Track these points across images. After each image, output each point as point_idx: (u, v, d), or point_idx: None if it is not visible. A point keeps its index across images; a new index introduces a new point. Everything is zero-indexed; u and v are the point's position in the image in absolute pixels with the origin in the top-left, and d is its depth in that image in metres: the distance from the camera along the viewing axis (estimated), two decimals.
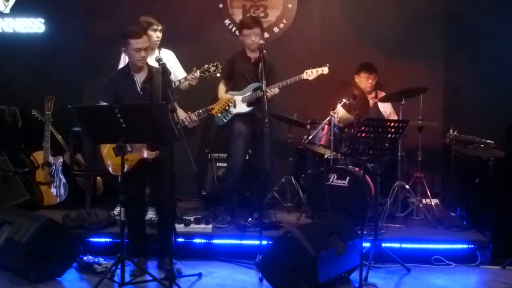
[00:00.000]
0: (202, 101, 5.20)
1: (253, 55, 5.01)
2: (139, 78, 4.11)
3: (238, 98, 5.01)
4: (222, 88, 5.18)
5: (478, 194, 4.90)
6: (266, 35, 5.91)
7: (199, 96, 5.33)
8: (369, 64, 5.64)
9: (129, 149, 3.95)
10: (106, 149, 4.11)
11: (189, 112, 4.23)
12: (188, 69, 5.11)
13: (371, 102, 5.40)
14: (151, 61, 4.28)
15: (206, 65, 4.85)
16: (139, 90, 4.09)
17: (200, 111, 4.61)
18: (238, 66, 5.10)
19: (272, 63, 4.95)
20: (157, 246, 4.30)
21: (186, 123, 4.21)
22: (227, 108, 4.54)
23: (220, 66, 4.85)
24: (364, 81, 5.59)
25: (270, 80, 4.82)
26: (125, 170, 3.90)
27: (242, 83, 5.06)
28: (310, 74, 4.93)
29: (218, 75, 4.91)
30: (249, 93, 4.99)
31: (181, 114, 4.19)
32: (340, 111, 5.39)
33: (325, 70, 4.94)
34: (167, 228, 4.15)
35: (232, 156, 5.15)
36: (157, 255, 4.31)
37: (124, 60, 5.00)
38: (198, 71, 4.85)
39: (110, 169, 4.15)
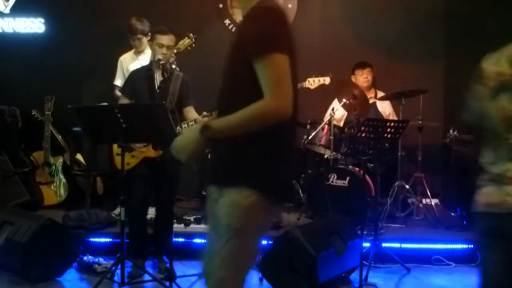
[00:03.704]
0: (207, 102, 5.19)
1: None
2: (159, 76, 4.13)
3: None
4: None
5: None
6: None
7: (205, 98, 5.29)
8: (361, 61, 5.65)
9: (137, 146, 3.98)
10: (115, 147, 4.15)
11: (204, 112, 4.20)
12: (187, 69, 5.11)
13: (370, 101, 5.41)
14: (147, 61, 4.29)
15: (181, 40, 4.61)
16: (156, 87, 4.11)
17: (206, 115, 4.49)
18: None
19: None
20: (154, 246, 4.30)
21: None
22: None
23: (194, 37, 4.64)
24: (359, 78, 5.60)
25: None
26: (130, 167, 3.92)
27: None
28: (312, 83, 4.95)
29: (194, 45, 4.69)
30: None
31: (195, 115, 4.23)
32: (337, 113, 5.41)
33: (326, 80, 4.96)
34: (164, 228, 4.15)
35: None
36: (152, 255, 4.31)
37: (121, 67, 5.06)
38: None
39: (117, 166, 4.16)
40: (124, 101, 4.16)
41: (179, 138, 2.12)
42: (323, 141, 5.19)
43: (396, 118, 5.43)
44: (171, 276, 3.69)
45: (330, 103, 5.40)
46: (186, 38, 4.65)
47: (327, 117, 5.14)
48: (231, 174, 2.10)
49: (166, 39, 4.07)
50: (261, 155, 2.06)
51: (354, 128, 4.90)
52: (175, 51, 4.35)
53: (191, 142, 2.07)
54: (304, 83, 4.93)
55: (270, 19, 2.02)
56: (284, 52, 1.99)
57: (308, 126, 5.31)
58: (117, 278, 3.78)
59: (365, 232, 4.37)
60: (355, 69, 5.65)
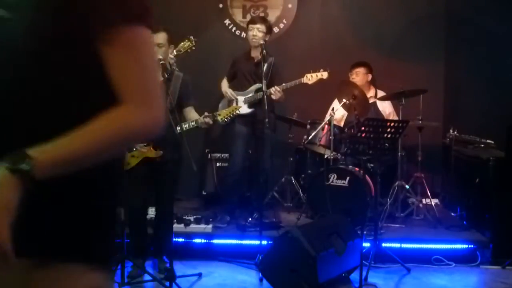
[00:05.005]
0: (207, 102, 5.21)
1: (256, 55, 5.01)
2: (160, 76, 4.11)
3: (240, 99, 5.02)
4: (225, 83, 5.20)
5: (478, 194, 4.90)
6: None
7: (205, 98, 5.29)
8: (357, 62, 5.63)
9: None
10: None
11: (206, 113, 4.22)
12: (187, 70, 5.11)
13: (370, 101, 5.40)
14: None
15: (182, 43, 4.57)
16: None
17: (207, 116, 4.38)
18: (241, 66, 5.12)
19: (277, 65, 4.96)
20: (154, 246, 4.30)
21: (203, 126, 4.24)
22: (231, 116, 4.46)
23: (194, 40, 4.58)
24: (352, 77, 5.58)
25: (275, 81, 4.83)
26: (130, 167, 3.93)
27: (244, 83, 5.07)
28: (310, 78, 4.94)
29: (194, 48, 4.65)
30: (251, 94, 5.00)
31: (195, 116, 4.23)
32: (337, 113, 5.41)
33: (324, 75, 4.95)
34: (164, 228, 4.15)
35: (232, 157, 5.18)
36: (152, 255, 4.31)
37: None
38: (174, 50, 4.60)
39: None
40: None
41: None
42: (323, 141, 5.19)
43: (396, 118, 5.43)
44: (171, 276, 3.68)
45: (330, 103, 5.40)
46: (186, 40, 4.64)
47: (327, 117, 5.14)
48: (58, 242, 1.23)
49: (154, 38, 4.04)
50: (95, 207, 1.27)
51: (354, 128, 4.90)
52: (173, 50, 4.33)
53: None
54: (302, 79, 4.92)
55: None
56: (151, 30, 1.24)
57: (308, 126, 5.32)
58: (117, 278, 3.78)
59: (365, 232, 4.37)
60: (350, 70, 5.64)
